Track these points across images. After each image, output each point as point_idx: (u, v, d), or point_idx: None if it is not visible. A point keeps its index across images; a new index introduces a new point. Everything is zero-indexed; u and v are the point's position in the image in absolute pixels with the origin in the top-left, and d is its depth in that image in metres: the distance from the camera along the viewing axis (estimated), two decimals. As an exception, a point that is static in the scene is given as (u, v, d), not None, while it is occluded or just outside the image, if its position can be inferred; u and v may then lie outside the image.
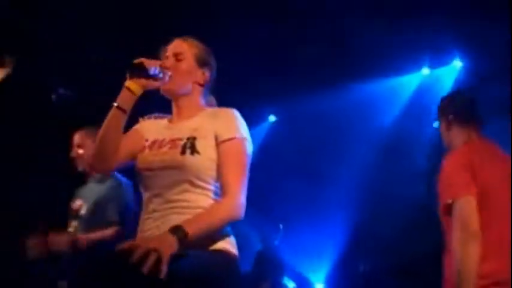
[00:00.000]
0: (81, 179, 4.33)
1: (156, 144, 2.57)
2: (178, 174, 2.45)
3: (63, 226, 4.12)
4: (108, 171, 2.67)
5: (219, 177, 2.47)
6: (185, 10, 5.38)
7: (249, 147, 2.53)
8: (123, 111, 2.54)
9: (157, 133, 2.62)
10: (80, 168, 4.27)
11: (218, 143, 2.50)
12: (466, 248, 2.85)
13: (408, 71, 6.62)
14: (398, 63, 6.37)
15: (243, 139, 2.51)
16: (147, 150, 2.57)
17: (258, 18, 5.57)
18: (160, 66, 2.58)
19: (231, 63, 5.81)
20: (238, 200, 2.40)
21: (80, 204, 4.17)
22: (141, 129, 2.68)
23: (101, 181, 4.19)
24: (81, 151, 4.24)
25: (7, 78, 3.82)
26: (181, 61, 2.65)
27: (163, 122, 2.71)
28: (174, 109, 2.70)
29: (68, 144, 4.29)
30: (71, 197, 4.27)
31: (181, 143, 2.50)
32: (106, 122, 2.54)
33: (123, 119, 2.55)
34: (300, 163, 6.92)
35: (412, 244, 5.97)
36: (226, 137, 2.49)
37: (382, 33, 5.63)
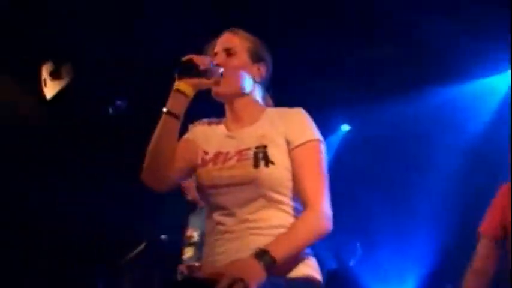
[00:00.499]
0: (191, 207, 4.42)
1: (221, 157, 2.34)
2: (253, 190, 2.24)
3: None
4: (162, 188, 2.39)
5: (297, 187, 2.26)
6: (253, 17, 5.09)
7: (324, 149, 2.33)
8: (176, 116, 2.30)
9: (218, 144, 2.39)
10: (189, 197, 4.36)
11: (291, 149, 2.29)
12: None
13: (494, 72, 6.22)
14: (481, 64, 6.00)
15: (318, 141, 2.31)
16: (210, 165, 2.34)
17: (327, 21, 5.40)
18: (211, 62, 2.36)
19: (298, 71, 5.81)
20: (323, 211, 2.21)
21: (192, 232, 4.24)
22: (195, 138, 2.44)
23: None
24: (189, 180, 4.10)
25: (66, 88, 3.64)
26: (233, 56, 2.41)
27: (220, 129, 2.45)
28: (229, 113, 2.45)
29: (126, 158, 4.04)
30: (183, 224, 4.34)
31: (251, 153, 2.28)
32: (157, 131, 2.31)
33: (177, 126, 2.31)
34: (378, 174, 6.60)
35: (506, 263, 5.50)
36: (300, 141, 2.29)
37: (462, 31, 5.40)
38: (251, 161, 2.26)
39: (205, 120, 2.51)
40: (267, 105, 2.50)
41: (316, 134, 2.31)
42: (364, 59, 5.83)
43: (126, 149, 4.39)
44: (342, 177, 5.63)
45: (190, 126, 2.49)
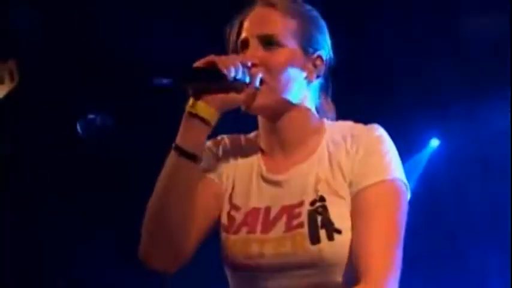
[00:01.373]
0: None
1: (259, 219, 1.68)
2: (313, 276, 1.62)
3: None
4: (173, 269, 1.70)
5: (354, 247, 1.60)
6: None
7: (406, 194, 1.67)
8: (194, 158, 1.63)
9: (253, 191, 1.72)
10: None
11: (353, 192, 1.63)
12: None
13: None
14: None
15: (396, 181, 1.65)
16: (243, 232, 1.69)
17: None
18: (242, 63, 1.64)
19: (376, 78, 5.18)
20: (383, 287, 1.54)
21: None
22: (221, 179, 1.76)
23: None
24: None
25: (11, 95, 2.86)
26: (275, 48, 1.68)
27: (255, 163, 1.76)
28: (268, 135, 1.75)
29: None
30: None
31: (304, 214, 1.64)
32: (164, 181, 1.64)
33: (196, 172, 1.65)
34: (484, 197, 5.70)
35: None
36: (367, 182, 1.62)
37: None
38: (306, 232, 1.61)
39: (231, 138, 1.81)
40: (325, 116, 1.79)
41: (393, 169, 1.65)
42: (453, 58, 5.15)
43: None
44: (435, 206, 5.24)
45: (210, 148, 1.77)
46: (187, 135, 1.63)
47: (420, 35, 5.03)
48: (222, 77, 1.60)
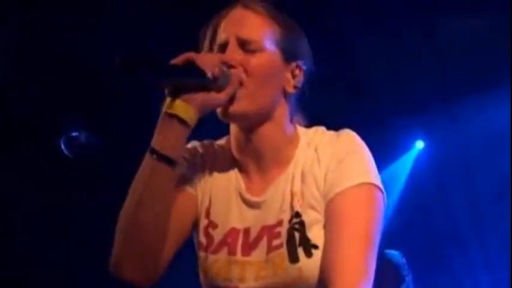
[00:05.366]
0: None
1: (238, 240, 1.63)
2: None
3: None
4: (148, 283, 1.59)
5: (324, 255, 1.55)
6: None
7: (381, 199, 1.60)
8: (171, 162, 1.52)
9: (232, 211, 1.65)
10: None
11: (326, 201, 1.58)
12: None
13: None
14: None
15: (369, 186, 1.58)
16: (223, 253, 1.63)
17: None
18: (224, 63, 1.56)
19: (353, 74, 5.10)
20: None
21: None
22: (192, 187, 1.67)
23: None
24: None
25: None
26: (254, 53, 1.60)
27: (231, 176, 1.68)
28: (244, 146, 1.66)
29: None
30: None
31: (283, 233, 1.59)
32: (138, 187, 1.53)
33: (173, 177, 1.55)
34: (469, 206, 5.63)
35: None
36: (338, 188, 1.57)
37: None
38: (284, 251, 1.55)
39: (204, 146, 1.72)
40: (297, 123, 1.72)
41: (367, 175, 1.59)
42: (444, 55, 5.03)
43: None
44: (423, 212, 5.22)
45: (183, 156, 1.64)
46: (164, 138, 1.52)
47: (400, 36, 4.99)
48: (201, 75, 1.51)
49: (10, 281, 4.86)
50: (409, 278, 3.58)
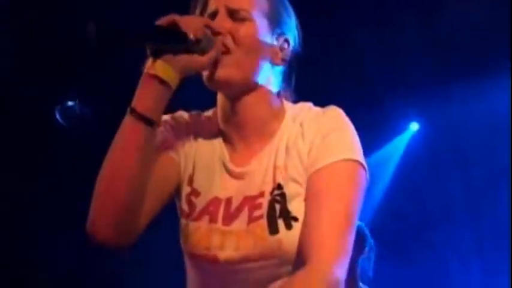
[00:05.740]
0: None
1: (220, 209, 1.64)
2: (272, 267, 1.59)
3: None
4: (124, 243, 1.58)
5: (303, 229, 1.56)
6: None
7: (363, 175, 1.61)
8: (150, 122, 1.53)
9: (215, 180, 1.66)
10: None
11: (308, 175, 1.60)
12: None
13: None
14: None
15: (351, 162, 1.60)
16: (204, 221, 1.64)
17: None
18: (208, 27, 1.58)
19: (351, 58, 5.02)
20: (327, 272, 1.49)
21: None
22: (179, 157, 1.68)
23: None
24: None
25: None
26: (243, 22, 1.63)
27: (216, 145, 1.70)
28: (229, 116, 1.67)
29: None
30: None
31: (264, 205, 1.60)
32: (118, 146, 1.54)
33: (152, 137, 1.55)
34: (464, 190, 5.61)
35: None
36: (320, 163, 1.59)
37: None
38: (265, 223, 1.57)
39: (190, 115, 1.74)
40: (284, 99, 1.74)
41: (350, 151, 1.61)
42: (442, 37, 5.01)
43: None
44: (414, 196, 5.20)
45: (168, 122, 1.69)
46: (144, 98, 1.53)
47: (396, 18, 4.95)
48: (184, 38, 1.52)
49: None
50: (369, 250, 3.56)
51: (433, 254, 5.71)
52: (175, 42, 1.52)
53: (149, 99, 1.52)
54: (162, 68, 1.52)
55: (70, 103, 3.41)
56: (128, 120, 1.53)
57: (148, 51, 1.54)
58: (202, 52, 1.55)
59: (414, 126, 6.36)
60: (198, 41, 1.53)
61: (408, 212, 5.65)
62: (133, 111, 1.52)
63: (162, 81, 1.52)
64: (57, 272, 5.04)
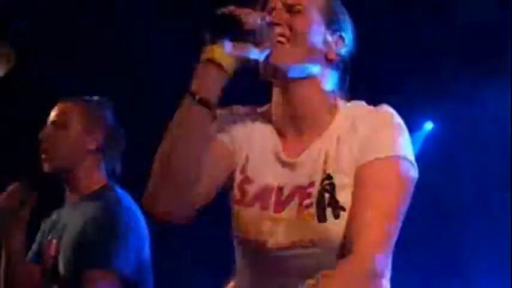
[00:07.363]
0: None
1: (271, 197, 1.71)
2: (319, 256, 1.64)
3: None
4: (182, 219, 1.70)
5: (349, 220, 1.62)
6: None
7: (411, 174, 1.66)
8: (209, 105, 1.61)
9: (267, 168, 1.73)
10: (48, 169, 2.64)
11: (357, 167, 1.65)
12: None
13: None
14: None
15: (401, 159, 1.64)
16: (256, 208, 1.71)
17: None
18: (263, 19, 1.66)
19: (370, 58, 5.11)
20: (368, 264, 1.54)
21: (55, 248, 2.64)
22: (234, 145, 1.77)
23: (82, 201, 2.67)
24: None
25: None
26: (299, 14, 1.71)
27: (268, 137, 1.77)
28: (282, 107, 1.74)
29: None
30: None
31: (314, 194, 1.66)
32: (177, 126, 1.63)
33: (209, 120, 1.63)
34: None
35: None
36: (370, 157, 1.64)
37: None
38: (314, 211, 1.63)
39: (245, 109, 1.83)
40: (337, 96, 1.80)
41: (401, 148, 1.66)
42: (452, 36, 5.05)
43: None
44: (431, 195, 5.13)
45: (224, 114, 1.78)
46: (201, 81, 1.62)
47: (410, 14, 4.98)
48: (241, 27, 1.62)
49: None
50: None
51: (451, 249, 5.73)
52: (233, 31, 1.62)
53: (206, 82, 1.61)
54: (219, 54, 1.61)
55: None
56: (185, 102, 1.62)
57: (206, 39, 1.63)
58: (258, 43, 1.64)
59: (429, 126, 6.38)
60: (254, 31, 1.62)
61: (425, 211, 5.63)
62: (190, 93, 1.61)
63: (219, 66, 1.61)
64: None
